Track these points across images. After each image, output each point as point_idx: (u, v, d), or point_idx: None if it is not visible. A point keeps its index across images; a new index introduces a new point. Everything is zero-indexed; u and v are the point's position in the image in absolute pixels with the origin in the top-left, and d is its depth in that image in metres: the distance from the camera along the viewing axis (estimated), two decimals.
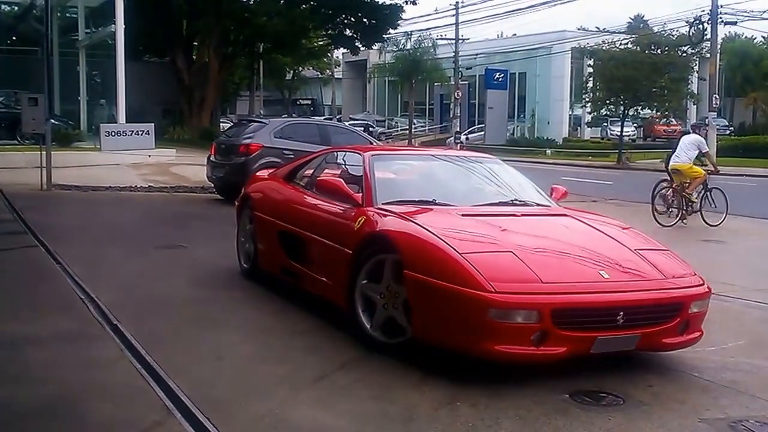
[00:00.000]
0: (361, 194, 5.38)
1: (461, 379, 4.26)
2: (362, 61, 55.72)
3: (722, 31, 33.88)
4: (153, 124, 19.99)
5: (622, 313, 4.26)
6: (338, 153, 6.70)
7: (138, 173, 16.39)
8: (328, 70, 58.14)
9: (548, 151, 39.69)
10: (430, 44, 47.19)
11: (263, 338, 5.08)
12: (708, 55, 32.74)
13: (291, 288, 6.03)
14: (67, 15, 26.95)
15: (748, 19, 35.07)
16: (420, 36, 46.72)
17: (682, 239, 10.39)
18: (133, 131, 19.11)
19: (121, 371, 4.28)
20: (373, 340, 4.72)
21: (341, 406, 3.88)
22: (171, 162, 19.27)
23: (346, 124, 28.48)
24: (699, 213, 12.11)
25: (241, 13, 31.07)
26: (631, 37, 36.27)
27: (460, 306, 4.15)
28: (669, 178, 12.43)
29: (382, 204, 5.20)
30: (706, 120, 26.92)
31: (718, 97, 31.58)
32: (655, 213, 12.04)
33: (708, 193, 12.21)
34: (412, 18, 64.81)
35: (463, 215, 5.09)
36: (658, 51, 32.61)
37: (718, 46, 32.53)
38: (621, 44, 34.25)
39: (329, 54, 50.30)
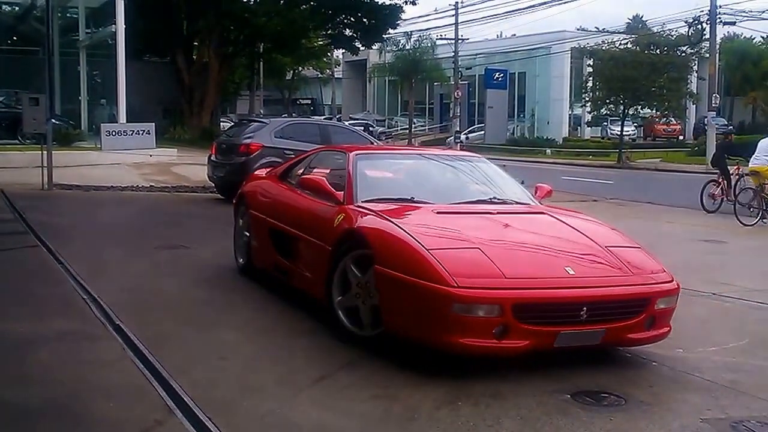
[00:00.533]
0: (343, 192, 5.52)
1: (463, 378, 4.27)
2: (362, 60, 55.76)
3: (721, 31, 33.98)
4: (153, 123, 19.98)
5: (585, 308, 4.33)
6: (327, 152, 6.83)
7: (139, 173, 16.40)
8: (328, 70, 58.12)
9: (548, 151, 39.69)
10: (430, 44, 47.24)
11: (265, 338, 5.09)
12: (707, 55, 32.80)
13: (284, 285, 6.09)
14: (68, 15, 26.93)
15: (747, 19, 35.14)
16: (420, 36, 46.80)
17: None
18: (133, 131, 19.11)
19: (123, 371, 4.29)
20: (349, 333, 4.85)
21: (343, 405, 3.89)
22: (172, 162, 19.27)
23: (347, 123, 28.51)
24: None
25: (241, 13, 31.08)
26: (630, 37, 36.30)
27: (426, 300, 4.27)
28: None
29: (362, 202, 5.35)
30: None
31: (717, 96, 31.61)
32: (736, 212, 12.69)
33: None
34: (412, 18, 64.96)
35: (438, 213, 5.20)
36: (658, 51, 32.61)
37: (717, 46, 32.55)
38: (620, 44, 34.27)
39: (329, 54, 50.32)
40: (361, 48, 36.33)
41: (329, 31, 34.73)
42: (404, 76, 49.67)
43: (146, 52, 32.98)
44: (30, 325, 5.11)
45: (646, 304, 4.54)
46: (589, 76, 35.25)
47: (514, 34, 51.52)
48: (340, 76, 61.51)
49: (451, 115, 47.30)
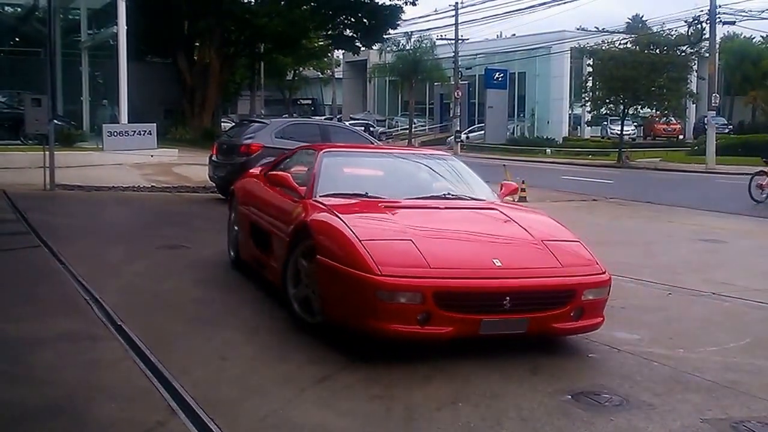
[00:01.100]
0: (305, 187, 5.84)
1: (463, 379, 4.29)
2: (362, 61, 55.76)
3: (721, 31, 33.97)
4: (155, 124, 19.98)
5: (508, 298, 4.52)
6: (304, 151, 7.09)
7: (140, 173, 16.41)
8: (328, 70, 58.13)
9: (548, 151, 39.70)
10: (430, 44, 47.25)
11: (266, 338, 5.10)
12: (707, 55, 32.79)
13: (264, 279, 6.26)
14: (70, 16, 26.90)
15: (747, 19, 35.23)
16: (420, 36, 46.81)
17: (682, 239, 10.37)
18: (135, 131, 19.10)
19: (125, 371, 4.30)
20: (300, 319, 5.13)
21: (344, 405, 3.90)
22: (173, 162, 19.28)
23: (347, 123, 28.51)
24: None
25: (242, 14, 31.10)
26: (630, 37, 36.29)
27: (354, 287, 4.53)
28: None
29: (320, 196, 5.65)
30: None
31: (717, 96, 31.60)
32: None
33: None
34: (412, 18, 64.93)
35: (386, 207, 5.44)
36: (657, 51, 32.60)
37: (717, 46, 32.55)
38: (620, 44, 34.27)
39: (329, 54, 50.32)
40: (362, 48, 36.34)
41: (330, 32, 34.76)
42: (404, 76, 49.70)
43: (148, 52, 33.02)
44: (31, 326, 5.13)
45: (572, 295, 4.72)
46: (589, 76, 35.25)
47: (514, 34, 51.57)
48: (341, 76, 61.53)
49: (451, 115, 47.33)
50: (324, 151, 6.40)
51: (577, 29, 45.05)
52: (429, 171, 6.49)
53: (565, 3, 75.87)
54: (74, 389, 4.03)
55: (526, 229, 5.23)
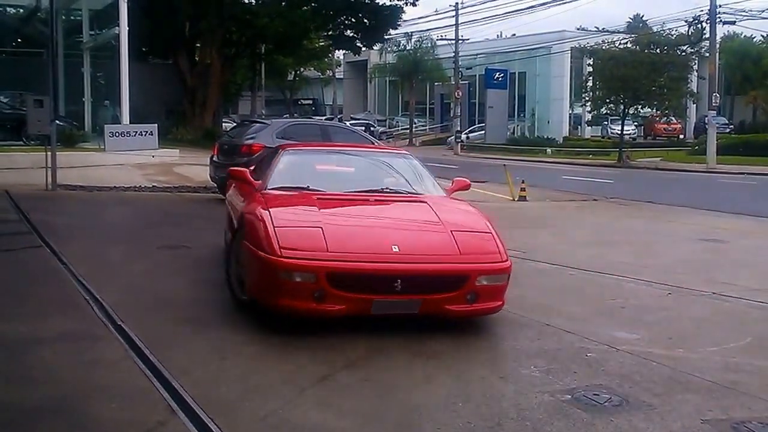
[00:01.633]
0: (260, 181, 6.38)
1: (464, 379, 4.29)
2: (363, 61, 55.78)
3: (721, 31, 33.96)
4: (156, 124, 19.98)
5: (399, 280, 4.88)
6: (276, 149, 7.43)
7: (142, 173, 16.42)
8: (329, 71, 58.17)
9: (548, 150, 39.68)
10: (430, 45, 47.24)
11: (267, 338, 5.09)
12: (707, 54, 32.78)
13: None
14: (72, 17, 26.92)
15: (747, 19, 35.19)
16: (420, 37, 46.81)
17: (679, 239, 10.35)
18: (136, 132, 19.13)
19: (125, 371, 4.31)
20: (237, 298, 5.61)
21: (344, 405, 3.91)
22: (174, 162, 19.30)
23: (347, 123, 28.52)
24: None
25: (243, 15, 31.14)
26: (630, 37, 36.27)
27: (263, 268, 5.02)
28: None
29: (269, 189, 6.16)
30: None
31: (717, 95, 31.60)
32: None
33: None
34: (413, 19, 64.78)
35: (318, 198, 5.83)
36: (658, 50, 32.58)
37: (717, 45, 32.53)
38: (620, 44, 34.26)
39: (330, 54, 50.34)
40: (362, 48, 36.35)
41: (330, 32, 34.79)
42: (405, 76, 49.73)
43: (149, 53, 33.08)
44: (32, 325, 5.14)
45: (465, 279, 5.03)
46: (589, 76, 35.25)
47: (514, 34, 51.57)
48: (341, 76, 61.57)
49: (451, 115, 47.32)
50: (285, 149, 7.01)
51: (577, 29, 45.09)
52: (380, 168, 6.90)
53: (565, 3, 75.84)
54: (74, 389, 4.03)
55: (440, 220, 5.54)
